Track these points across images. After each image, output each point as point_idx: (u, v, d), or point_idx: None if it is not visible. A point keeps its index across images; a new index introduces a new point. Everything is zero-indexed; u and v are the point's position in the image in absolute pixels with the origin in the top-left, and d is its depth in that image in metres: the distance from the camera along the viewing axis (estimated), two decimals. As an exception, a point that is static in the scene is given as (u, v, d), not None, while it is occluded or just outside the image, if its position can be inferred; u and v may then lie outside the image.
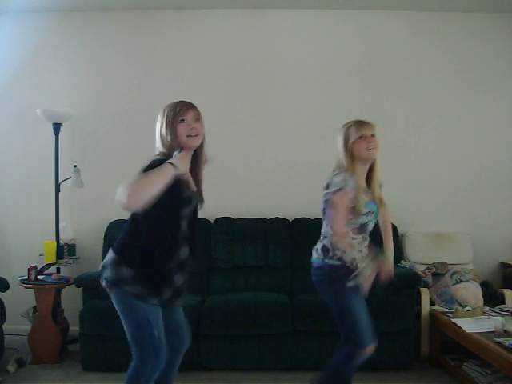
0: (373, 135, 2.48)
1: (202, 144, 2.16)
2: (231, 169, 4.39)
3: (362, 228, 2.50)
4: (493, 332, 2.97)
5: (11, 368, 3.49)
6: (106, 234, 4.08)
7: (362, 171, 2.51)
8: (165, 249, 2.08)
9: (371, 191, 2.51)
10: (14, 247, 4.32)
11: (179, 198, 2.05)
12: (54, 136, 4.11)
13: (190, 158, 2.15)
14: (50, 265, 3.92)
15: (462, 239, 4.24)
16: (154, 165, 1.94)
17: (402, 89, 4.43)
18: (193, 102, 2.20)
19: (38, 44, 4.39)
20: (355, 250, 2.48)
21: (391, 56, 4.44)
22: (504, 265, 4.31)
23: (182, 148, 2.06)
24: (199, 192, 2.20)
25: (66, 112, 4.07)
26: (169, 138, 2.08)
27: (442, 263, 3.97)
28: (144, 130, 4.27)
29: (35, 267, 3.80)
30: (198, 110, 2.16)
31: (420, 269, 3.99)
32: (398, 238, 4.14)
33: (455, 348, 3.39)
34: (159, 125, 2.15)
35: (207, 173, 4.33)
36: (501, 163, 4.42)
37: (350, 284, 2.44)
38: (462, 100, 4.42)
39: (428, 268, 3.98)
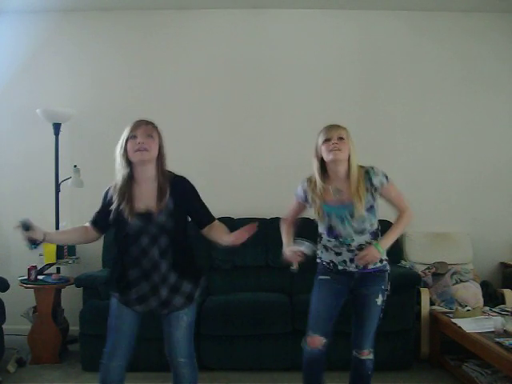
0: (341, 137, 2.45)
1: (159, 158, 2.26)
2: (231, 169, 4.39)
3: (331, 231, 2.48)
4: (493, 332, 2.97)
5: (11, 368, 3.50)
6: (106, 233, 4.05)
7: (334, 173, 2.47)
8: (123, 259, 2.30)
9: (347, 192, 2.44)
10: (14, 247, 4.32)
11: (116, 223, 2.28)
12: (54, 136, 4.11)
13: (150, 171, 2.25)
14: (50, 265, 3.92)
15: (462, 239, 4.24)
16: (105, 194, 2.37)
17: (402, 89, 4.43)
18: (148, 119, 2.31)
19: (37, 44, 4.39)
20: (331, 252, 2.51)
21: (391, 56, 4.44)
22: (504, 265, 4.31)
23: (133, 163, 2.23)
24: (159, 206, 2.22)
25: (66, 112, 4.07)
26: (122, 154, 2.24)
27: (442, 263, 3.97)
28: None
29: (35, 267, 3.81)
30: (151, 127, 2.27)
31: (420, 269, 3.99)
32: (397, 238, 4.13)
33: (455, 348, 3.39)
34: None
35: (207, 173, 4.34)
36: (501, 163, 4.42)
37: (322, 277, 2.55)
38: (462, 100, 4.43)
39: (428, 268, 3.98)
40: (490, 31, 4.43)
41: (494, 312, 3.44)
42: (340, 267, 2.51)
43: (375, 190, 2.45)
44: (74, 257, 4.10)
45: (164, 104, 4.29)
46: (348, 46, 4.45)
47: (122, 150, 2.23)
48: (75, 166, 4.10)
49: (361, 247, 2.46)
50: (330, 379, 2.98)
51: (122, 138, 2.26)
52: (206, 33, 4.43)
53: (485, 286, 3.92)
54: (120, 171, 2.27)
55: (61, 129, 4.12)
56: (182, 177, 2.32)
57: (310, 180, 2.54)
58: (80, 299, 3.65)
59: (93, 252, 4.12)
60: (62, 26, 4.41)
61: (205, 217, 2.36)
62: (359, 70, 4.44)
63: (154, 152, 2.23)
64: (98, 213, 2.37)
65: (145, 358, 3.36)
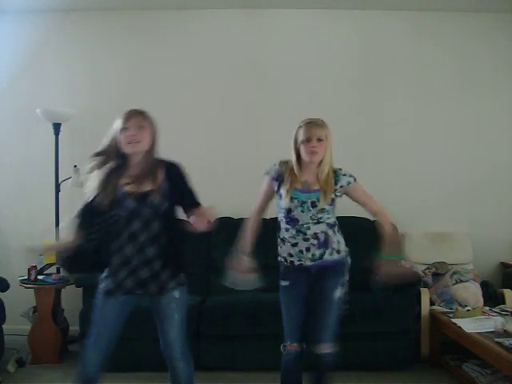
0: (320, 139, 2.48)
1: (150, 150, 2.27)
2: (231, 168, 4.39)
3: (290, 214, 2.51)
4: (493, 332, 2.97)
5: (11, 368, 3.50)
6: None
7: (307, 166, 2.53)
8: (107, 246, 2.28)
9: (314, 184, 2.51)
10: (14, 247, 4.32)
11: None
12: (54, 136, 4.11)
13: (141, 160, 2.27)
14: (50, 265, 3.92)
15: (462, 239, 4.24)
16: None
17: (402, 89, 4.43)
18: (140, 109, 2.33)
19: (37, 44, 4.39)
20: (287, 244, 2.54)
21: (391, 56, 4.44)
22: (504, 265, 4.31)
23: (125, 154, 2.25)
24: (154, 189, 2.24)
25: (65, 112, 4.07)
26: (115, 144, 2.27)
27: (442, 263, 3.97)
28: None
29: (35, 267, 3.80)
30: (142, 117, 2.28)
31: (420, 269, 3.99)
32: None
33: (455, 348, 3.39)
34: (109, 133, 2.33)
35: (207, 173, 4.33)
36: (501, 163, 4.42)
37: (284, 283, 2.58)
38: (461, 100, 4.43)
39: (428, 268, 3.98)
40: (489, 31, 4.43)
41: (494, 312, 3.44)
42: (297, 262, 2.52)
43: (341, 188, 2.52)
44: (74, 257, 4.10)
45: (164, 104, 4.28)
46: (348, 45, 4.45)
47: (114, 142, 2.27)
48: (75, 166, 4.10)
49: (316, 236, 2.49)
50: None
51: (114, 129, 2.29)
52: (205, 33, 4.43)
53: (485, 285, 3.92)
54: (104, 161, 2.29)
55: (61, 129, 4.12)
56: (174, 161, 2.34)
57: (288, 165, 2.59)
58: (80, 299, 3.66)
59: (93, 252, 4.12)
60: (62, 26, 4.41)
61: (194, 201, 2.35)
62: (359, 70, 4.44)
63: (147, 142, 2.25)
64: (84, 209, 2.39)
65: (144, 357, 3.36)
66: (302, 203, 2.49)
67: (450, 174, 4.41)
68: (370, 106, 4.40)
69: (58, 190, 4.12)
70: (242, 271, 2.55)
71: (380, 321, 3.43)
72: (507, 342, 2.75)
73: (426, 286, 3.81)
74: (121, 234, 2.25)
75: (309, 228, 2.49)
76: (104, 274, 2.32)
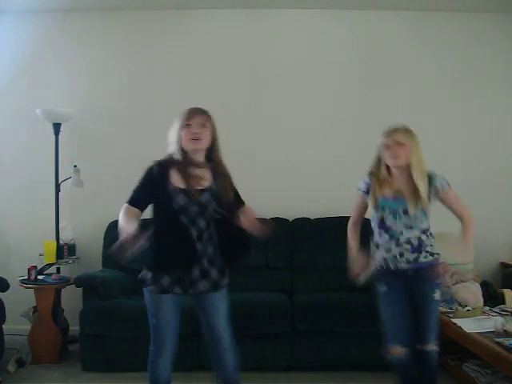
0: (400, 143, 2.54)
1: (213, 147, 2.38)
2: (230, 168, 4.37)
3: (383, 223, 2.57)
4: (493, 332, 2.97)
5: (11, 368, 3.50)
6: (106, 233, 4.07)
7: (397, 175, 2.58)
8: (160, 243, 2.26)
9: (406, 192, 2.57)
10: (14, 247, 4.32)
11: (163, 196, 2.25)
12: (54, 136, 4.11)
13: (201, 158, 2.34)
14: (50, 265, 3.92)
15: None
16: (146, 173, 2.27)
17: (402, 88, 4.42)
18: (203, 108, 2.36)
19: (38, 44, 4.39)
20: (381, 249, 2.59)
21: (391, 56, 4.44)
22: (504, 265, 4.31)
23: (185, 151, 2.27)
24: (222, 190, 2.34)
25: (65, 112, 4.07)
26: (176, 141, 2.29)
27: (442, 263, 3.96)
28: (144, 129, 4.31)
29: (35, 267, 3.80)
30: (205, 116, 2.32)
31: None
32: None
33: (455, 348, 3.39)
34: (172, 128, 2.33)
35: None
36: (501, 163, 4.42)
37: (382, 289, 2.61)
38: (461, 100, 4.42)
39: (428, 268, 3.98)
40: (489, 31, 4.43)
41: (494, 312, 3.43)
42: (392, 265, 2.57)
43: (434, 191, 2.60)
44: (73, 257, 4.11)
45: (164, 104, 4.28)
46: (347, 45, 4.45)
47: (177, 137, 2.28)
48: (75, 166, 4.10)
49: (409, 242, 2.55)
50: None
51: (177, 125, 2.30)
52: (206, 33, 4.43)
53: (485, 285, 3.92)
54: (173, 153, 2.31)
55: (61, 129, 4.12)
56: (224, 164, 2.47)
57: (373, 173, 2.63)
58: (80, 299, 3.66)
59: (93, 252, 4.13)
60: (62, 26, 4.41)
61: (238, 200, 2.47)
62: (358, 70, 4.43)
63: (207, 141, 2.31)
64: (139, 191, 2.29)
65: (144, 357, 3.35)
66: (394, 211, 2.54)
67: (450, 173, 4.36)
68: (370, 105, 4.39)
69: (58, 190, 4.12)
70: (362, 269, 2.60)
71: (380, 321, 3.43)
72: (507, 342, 2.74)
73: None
74: (191, 228, 2.25)
75: (402, 234, 2.55)
76: (151, 273, 2.28)
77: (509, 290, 3.78)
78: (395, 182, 2.58)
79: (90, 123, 4.37)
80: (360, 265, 2.60)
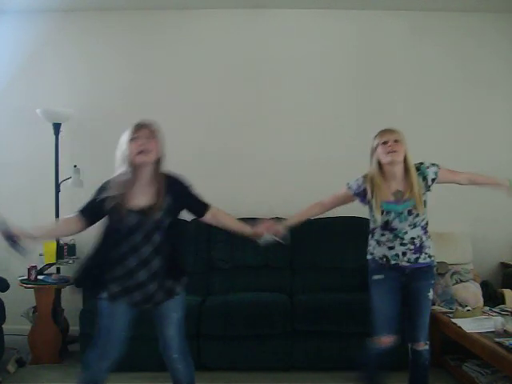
0: (396, 140, 2.58)
1: (161, 160, 2.30)
2: (230, 168, 4.39)
3: (387, 225, 2.59)
4: (493, 332, 2.97)
5: (11, 368, 3.50)
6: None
7: (392, 175, 2.61)
8: (109, 257, 2.28)
9: (406, 191, 2.59)
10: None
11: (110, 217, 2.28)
12: (54, 136, 4.11)
13: (149, 172, 2.28)
14: (50, 265, 3.92)
15: (462, 239, 4.23)
16: (101, 188, 2.33)
17: (402, 89, 4.43)
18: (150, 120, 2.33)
19: (37, 44, 4.39)
20: (383, 246, 2.63)
21: (391, 56, 4.44)
22: (504, 265, 4.31)
23: (134, 164, 2.24)
24: (157, 204, 2.26)
25: (65, 112, 4.07)
26: (125, 155, 2.26)
27: (442, 263, 3.96)
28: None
29: (35, 267, 3.80)
30: (152, 128, 2.29)
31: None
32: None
33: (455, 348, 3.39)
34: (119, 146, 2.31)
35: (207, 172, 4.33)
36: (500, 163, 4.41)
37: (377, 277, 2.65)
38: (461, 100, 4.42)
39: (428, 268, 3.98)
40: (489, 31, 4.43)
41: (494, 312, 3.44)
42: (393, 261, 2.61)
43: (432, 181, 2.62)
44: (74, 257, 4.10)
45: (164, 104, 4.28)
46: (347, 45, 4.46)
47: (125, 152, 2.25)
48: (75, 166, 4.10)
49: (413, 241, 2.60)
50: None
51: (124, 140, 2.28)
52: (206, 33, 4.43)
53: (485, 285, 3.92)
54: (120, 170, 2.29)
55: (61, 129, 4.12)
56: (176, 175, 2.36)
57: (368, 178, 2.63)
58: (80, 299, 3.66)
59: (93, 252, 4.12)
60: (62, 26, 4.41)
61: (202, 206, 2.43)
62: (358, 70, 4.44)
63: (156, 153, 2.26)
64: (90, 204, 2.35)
65: (144, 357, 3.36)
66: (399, 214, 2.56)
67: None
68: (370, 105, 4.39)
69: (57, 190, 4.12)
70: (270, 229, 2.63)
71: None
72: (507, 342, 2.74)
73: (426, 285, 3.81)
74: (121, 244, 2.25)
75: (406, 233, 2.60)
76: (103, 282, 2.30)
77: (509, 290, 3.78)
78: (391, 183, 2.60)
79: (90, 123, 4.37)
80: (266, 226, 2.62)
